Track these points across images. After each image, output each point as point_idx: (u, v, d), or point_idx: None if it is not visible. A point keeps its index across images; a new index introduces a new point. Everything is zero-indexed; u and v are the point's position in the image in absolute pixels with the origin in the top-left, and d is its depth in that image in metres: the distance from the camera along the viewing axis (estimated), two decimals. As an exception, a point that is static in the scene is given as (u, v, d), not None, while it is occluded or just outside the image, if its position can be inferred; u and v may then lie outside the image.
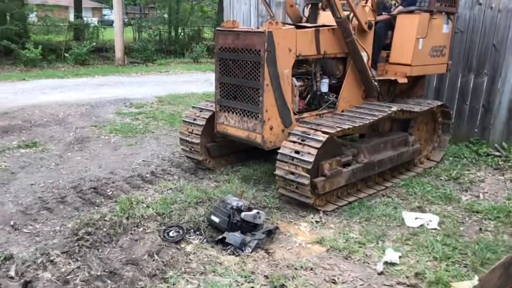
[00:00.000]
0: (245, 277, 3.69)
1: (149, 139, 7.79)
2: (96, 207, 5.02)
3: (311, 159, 4.61)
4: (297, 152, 4.74)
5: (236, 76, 5.27)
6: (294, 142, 4.86)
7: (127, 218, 4.65)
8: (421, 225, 4.73)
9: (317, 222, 4.77)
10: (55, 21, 22.93)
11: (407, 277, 3.79)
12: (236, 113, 5.39)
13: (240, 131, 5.39)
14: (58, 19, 24.47)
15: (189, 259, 3.96)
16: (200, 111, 6.07)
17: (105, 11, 47.78)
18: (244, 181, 5.83)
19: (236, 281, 3.64)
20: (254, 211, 4.41)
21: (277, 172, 4.91)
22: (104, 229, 4.41)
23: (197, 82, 13.93)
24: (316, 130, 4.91)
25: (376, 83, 5.98)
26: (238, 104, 5.33)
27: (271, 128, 5.13)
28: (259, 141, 5.15)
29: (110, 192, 5.47)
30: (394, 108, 5.67)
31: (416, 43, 6.03)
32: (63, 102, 9.59)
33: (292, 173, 4.74)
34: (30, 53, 16.63)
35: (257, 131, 5.15)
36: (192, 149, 6.04)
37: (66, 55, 18.11)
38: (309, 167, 4.61)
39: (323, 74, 5.81)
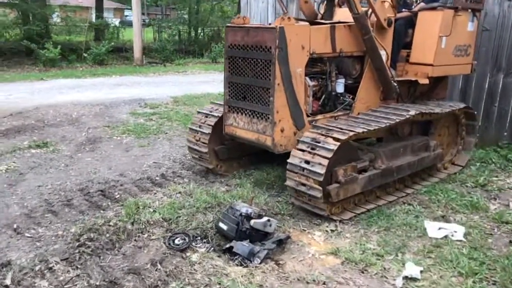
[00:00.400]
0: (252, 291, 3.44)
1: (161, 140, 7.61)
2: (101, 211, 4.84)
3: (323, 170, 4.29)
4: (307, 162, 4.44)
5: (246, 75, 4.99)
6: (304, 150, 4.54)
7: (132, 224, 4.45)
8: (445, 236, 4.39)
9: (332, 231, 4.48)
10: (76, 21, 23.13)
11: (429, 294, 3.47)
12: (246, 114, 5.11)
13: (250, 133, 5.10)
14: (79, 19, 24.71)
15: (194, 269, 3.72)
16: (206, 117, 5.77)
17: (126, 12, 48.23)
18: (256, 185, 5.57)
19: (242, 295, 3.39)
20: (265, 219, 4.15)
21: (288, 183, 4.63)
22: (107, 235, 4.21)
23: (214, 82, 13.73)
24: (327, 136, 4.56)
25: (395, 84, 5.63)
26: (247, 105, 5.05)
27: (282, 131, 4.84)
28: (269, 144, 4.86)
29: (118, 195, 5.29)
30: (413, 112, 5.28)
31: (439, 41, 5.64)
32: (78, 102, 9.52)
33: (303, 185, 4.46)
34: (50, 53, 16.75)
35: (267, 133, 4.86)
36: (201, 157, 5.80)
37: (85, 55, 18.19)
38: (321, 179, 4.30)
39: (339, 74, 5.49)
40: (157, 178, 5.89)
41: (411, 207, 5.10)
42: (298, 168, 4.49)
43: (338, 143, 4.42)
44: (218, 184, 5.67)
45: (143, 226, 4.42)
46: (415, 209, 5.03)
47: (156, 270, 3.71)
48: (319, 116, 5.23)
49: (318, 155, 4.40)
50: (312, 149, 4.48)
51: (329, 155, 4.34)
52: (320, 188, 4.33)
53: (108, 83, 12.93)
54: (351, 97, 5.56)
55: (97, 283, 3.51)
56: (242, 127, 5.19)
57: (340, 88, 5.47)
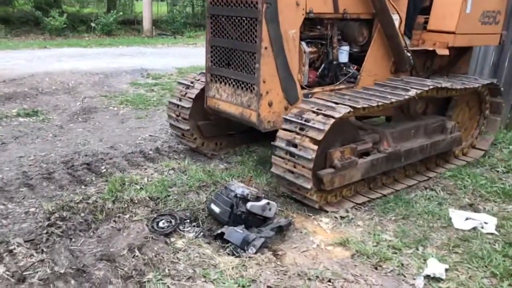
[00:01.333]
0: (243, 286, 2.89)
1: (161, 112, 7.03)
2: (83, 187, 4.32)
3: (312, 155, 3.61)
4: (294, 145, 3.75)
5: (230, 37, 4.24)
6: (291, 131, 3.83)
7: (113, 202, 3.92)
8: (474, 228, 3.78)
9: (342, 217, 3.89)
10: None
11: (456, 299, 2.87)
12: (229, 84, 4.37)
13: (233, 107, 4.36)
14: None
15: (177, 258, 3.18)
16: (187, 88, 5.01)
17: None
18: (259, 163, 4.98)
19: (230, 291, 2.83)
20: (264, 202, 3.57)
21: (273, 170, 3.95)
22: (83, 215, 3.69)
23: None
24: (319, 113, 3.83)
25: (409, 54, 4.86)
26: (231, 73, 4.31)
27: (270, 105, 4.09)
28: (254, 120, 4.11)
29: (104, 170, 4.75)
30: (426, 86, 4.42)
31: (463, 5, 4.87)
32: (77, 70, 8.96)
33: (291, 172, 3.79)
34: (55, 21, 16.15)
35: (252, 107, 4.12)
36: (183, 135, 5.14)
37: (93, 24, 17.58)
38: (310, 165, 3.62)
39: (343, 40, 4.70)
40: (150, 152, 5.34)
41: (434, 192, 4.48)
42: (284, 152, 3.82)
43: (331, 122, 3.68)
44: (217, 161, 5.10)
45: (126, 205, 3.89)
46: (438, 196, 4.41)
47: (133, 257, 3.17)
48: (316, 89, 4.45)
49: (307, 136, 3.69)
50: (301, 129, 3.76)
51: (320, 136, 3.62)
52: (310, 177, 3.67)
53: (112, 53, 12.34)
54: (356, 68, 4.80)
55: (62, 271, 2.99)
56: (225, 100, 4.45)
57: (343, 57, 4.67)
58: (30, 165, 4.84)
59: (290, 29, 4.05)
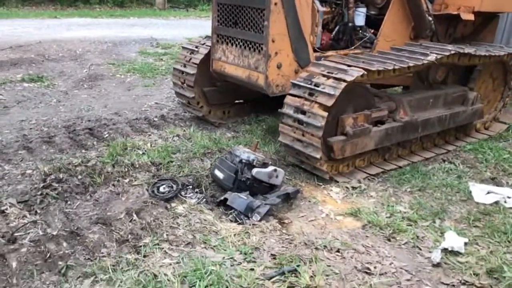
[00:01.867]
0: (245, 253, 2.69)
1: (169, 81, 6.79)
2: (84, 151, 4.14)
3: (321, 122, 3.36)
4: (303, 112, 3.50)
5: None
6: (299, 97, 3.58)
7: (113, 166, 3.74)
8: (496, 202, 3.52)
9: (354, 188, 3.65)
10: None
11: (475, 274, 2.65)
12: (236, 45, 4.10)
13: (240, 70, 4.09)
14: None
15: (177, 223, 2.99)
16: (191, 53, 4.74)
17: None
18: (268, 133, 4.75)
19: (231, 258, 2.65)
20: (270, 168, 3.35)
21: (281, 139, 3.72)
22: (80, 177, 3.51)
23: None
24: (329, 76, 3.55)
25: (430, 18, 4.52)
26: (238, 33, 4.03)
27: (278, 67, 3.83)
28: (261, 83, 3.84)
29: (107, 135, 4.57)
30: (448, 51, 4.08)
31: None
32: (85, 39, 8.77)
33: (300, 141, 3.56)
34: (67, -10, 15.92)
35: (260, 69, 3.85)
36: (189, 102, 4.90)
37: (105, -5, 17.30)
38: (320, 133, 3.39)
39: (360, 2, 4.41)
40: (155, 119, 5.14)
41: (453, 165, 4.20)
42: (292, 120, 3.58)
43: (342, 86, 3.40)
44: (224, 129, 4.88)
45: (126, 169, 3.71)
46: (458, 169, 4.13)
47: (130, 221, 3.00)
48: (329, 53, 4.15)
49: (317, 102, 3.43)
50: (310, 94, 3.51)
51: (330, 102, 3.37)
52: (319, 146, 3.43)
53: (123, 23, 12.09)
54: (373, 32, 4.48)
55: (55, 233, 2.83)
56: (231, 62, 4.18)
57: (360, 20, 4.37)
58: (31, 128, 4.68)
59: None
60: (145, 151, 4.10)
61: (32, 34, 9.16)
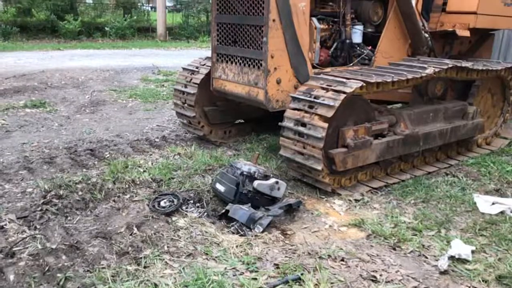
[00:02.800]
0: (248, 263, 2.63)
1: (170, 105, 6.84)
2: (84, 170, 4.13)
3: (322, 133, 3.34)
4: (303, 124, 3.48)
5: (236, 12, 4.03)
6: (299, 110, 3.57)
7: (114, 183, 3.71)
8: (501, 212, 3.47)
9: (357, 200, 3.62)
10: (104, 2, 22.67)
11: (484, 281, 2.58)
12: (236, 63, 4.15)
13: (240, 87, 4.13)
14: (112, 4, 24.10)
15: (177, 235, 2.95)
16: (192, 74, 4.80)
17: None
18: (269, 150, 4.74)
19: (233, 268, 2.59)
20: (272, 180, 3.33)
21: (282, 152, 3.69)
22: (80, 193, 3.49)
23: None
24: (329, 89, 3.55)
25: (426, 35, 4.60)
26: (238, 51, 4.09)
27: (278, 82, 3.85)
28: (261, 98, 3.86)
29: (108, 155, 4.57)
30: (445, 65, 4.10)
31: None
32: (87, 67, 8.90)
33: (301, 153, 3.53)
34: (70, 24, 16.26)
35: (260, 84, 3.88)
36: (190, 122, 4.92)
37: (107, 28, 17.67)
38: (321, 145, 3.36)
39: (357, 20, 4.47)
40: (156, 140, 5.15)
41: (456, 178, 4.18)
42: (293, 133, 3.56)
43: (342, 98, 3.39)
44: (225, 147, 4.88)
45: (127, 185, 3.68)
46: (461, 181, 4.10)
47: (131, 234, 2.96)
48: (328, 69, 4.18)
49: (317, 114, 3.42)
50: (310, 107, 3.51)
51: (330, 113, 3.36)
52: (320, 157, 3.40)
53: (124, 53, 12.31)
54: (370, 49, 4.53)
55: (54, 246, 2.79)
56: (231, 80, 4.23)
57: (357, 37, 4.44)
58: (32, 150, 4.69)
59: (300, 1, 3.85)
60: (146, 168, 4.08)
61: (36, 64, 9.32)
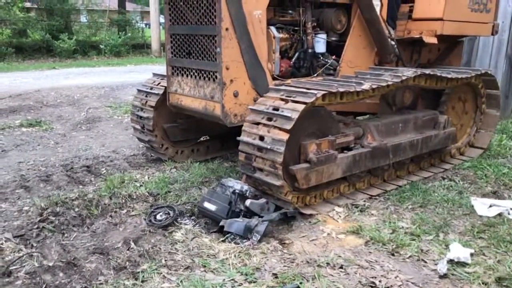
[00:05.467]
0: (246, 274, 2.62)
1: (166, 120, 6.87)
2: (81, 186, 4.12)
3: (281, 147, 3.11)
4: (261, 138, 3.26)
5: (189, 22, 3.85)
6: (258, 123, 3.33)
7: (110, 198, 3.71)
8: (499, 214, 3.47)
9: (355, 206, 3.61)
10: (97, 18, 22.86)
11: (484, 283, 2.57)
12: (191, 76, 3.95)
13: (196, 101, 3.92)
14: (107, 22, 24.33)
15: (175, 248, 2.93)
16: (146, 96, 4.58)
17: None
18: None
19: (232, 279, 2.57)
20: (262, 200, 3.30)
21: (242, 169, 3.49)
22: (77, 210, 3.47)
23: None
24: (288, 100, 3.32)
25: (393, 43, 4.46)
26: (193, 63, 3.90)
27: (235, 95, 3.66)
28: (218, 113, 3.65)
29: (104, 171, 4.56)
30: (410, 73, 3.91)
31: None
32: (83, 85, 8.94)
33: (260, 169, 3.32)
34: (64, 43, 16.37)
35: (216, 98, 3.68)
36: (152, 147, 4.72)
37: (102, 46, 17.80)
38: (280, 159, 3.11)
39: (319, 28, 4.30)
40: (153, 155, 5.14)
41: (453, 182, 4.19)
42: (251, 147, 3.33)
43: (302, 108, 3.17)
44: (222, 159, 4.88)
45: (123, 200, 3.67)
46: (458, 185, 4.11)
47: (128, 249, 2.94)
48: (290, 80, 3.96)
49: (275, 127, 3.19)
50: (268, 119, 3.28)
51: (289, 125, 3.12)
52: (280, 173, 3.16)
53: (119, 70, 12.38)
54: (334, 58, 4.34)
55: (51, 264, 2.77)
56: (187, 94, 4.01)
57: (320, 47, 4.24)
58: (28, 169, 4.68)
59: (255, 9, 3.66)
60: (143, 183, 4.08)
61: (31, 84, 9.35)
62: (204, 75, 3.81)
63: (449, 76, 4.24)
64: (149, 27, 27.27)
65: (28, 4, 22.64)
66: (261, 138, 3.25)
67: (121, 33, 19.21)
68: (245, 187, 3.37)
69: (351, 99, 3.61)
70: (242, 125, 3.49)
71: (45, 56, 17.63)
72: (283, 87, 3.56)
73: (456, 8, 4.63)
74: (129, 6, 32.01)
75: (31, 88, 8.57)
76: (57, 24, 19.37)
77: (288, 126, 3.12)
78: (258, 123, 3.34)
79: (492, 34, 5.24)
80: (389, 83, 3.74)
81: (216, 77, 3.66)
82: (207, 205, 3.33)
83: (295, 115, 3.14)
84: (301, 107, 3.18)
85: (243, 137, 3.37)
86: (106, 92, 8.65)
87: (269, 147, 3.16)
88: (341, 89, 3.43)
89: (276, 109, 3.28)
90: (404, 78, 3.81)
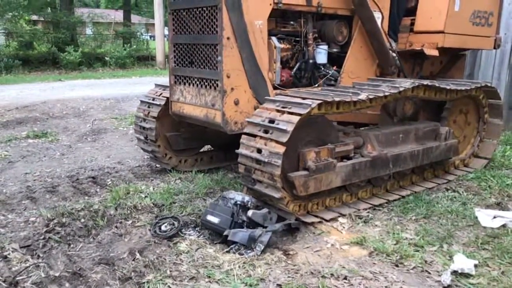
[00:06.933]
0: (250, 285, 2.63)
1: (170, 131, 6.92)
2: (87, 197, 4.16)
3: (278, 160, 3.11)
4: (259, 151, 3.26)
5: (191, 31, 3.94)
6: (255, 136, 3.35)
7: (116, 209, 3.74)
8: (503, 226, 3.47)
9: (359, 217, 3.62)
10: (102, 30, 23.15)
11: (489, 294, 2.57)
12: (193, 85, 4.02)
13: (198, 109, 3.98)
14: (112, 34, 24.66)
15: (180, 259, 2.96)
16: (149, 107, 4.65)
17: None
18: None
19: (236, 290, 2.58)
20: (264, 210, 3.32)
21: (242, 181, 3.52)
22: (83, 221, 3.51)
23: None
24: (283, 111, 3.30)
25: (394, 55, 4.51)
26: (195, 72, 3.97)
27: (236, 103, 3.70)
28: (219, 120, 3.70)
29: (110, 182, 4.60)
30: (407, 84, 3.90)
31: (451, 2, 4.53)
32: (88, 97, 9.03)
33: (260, 182, 3.32)
34: (70, 55, 16.57)
35: (217, 106, 3.73)
36: (156, 156, 4.80)
37: (107, 58, 17.99)
38: (278, 172, 3.12)
39: (320, 40, 4.34)
40: (157, 166, 5.18)
41: (456, 193, 4.19)
42: (250, 160, 3.33)
43: (296, 120, 3.15)
44: (227, 171, 4.91)
45: (129, 211, 3.71)
46: (462, 196, 4.12)
47: (133, 260, 2.97)
48: (288, 91, 3.98)
49: (272, 140, 3.19)
50: (265, 131, 3.28)
51: (284, 138, 3.11)
52: (279, 185, 3.16)
53: (124, 82, 12.49)
54: (335, 68, 4.37)
55: (57, 274, 2.79)
56: (189, 102, 4.08)
57: (321, 58, 4.28)
58: (35, 180, 4.72)
59: (256, 19, 3.73)
60: (148, 194, 4.11)
61: (38, 95, 9.45)
62: (206, 84, 3.88)
63: (448, 87, 4.24)
64: (154, 39, 27.58)
65: (34, 17, 23.01)
66: (259, 150, 3.26)
67: (126, 45, 19.43)
68: (247, 197, 3.40)
69: (348, 109, 3.62)
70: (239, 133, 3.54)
71: (51, 68, 17.84)
72: (279, 98, 3.57)
73: (458, 21, 4.67)
74: (134, 19, 32.43)
75: (38, 100, 8.67)
76: (63, 36, 19.68)
77: (284, 139, 3.13)
78: (255, 136, 3.34)
79: (494, 48, 5.28)
80: (386, 93, 3.76)
81: (217, 85, 3.72)
82: (210, 218, 3.35)
83: (290, 128, 3.13)
84: (296, 118, 3.18)
85: (242, 150, 3.39)
86: (112, 103, 8.74)
87: (266, 160, 3.16)
88: (337, 99, 3.43)
89: (272, 121, 3.28)
90: (401, 89, 3.82)
